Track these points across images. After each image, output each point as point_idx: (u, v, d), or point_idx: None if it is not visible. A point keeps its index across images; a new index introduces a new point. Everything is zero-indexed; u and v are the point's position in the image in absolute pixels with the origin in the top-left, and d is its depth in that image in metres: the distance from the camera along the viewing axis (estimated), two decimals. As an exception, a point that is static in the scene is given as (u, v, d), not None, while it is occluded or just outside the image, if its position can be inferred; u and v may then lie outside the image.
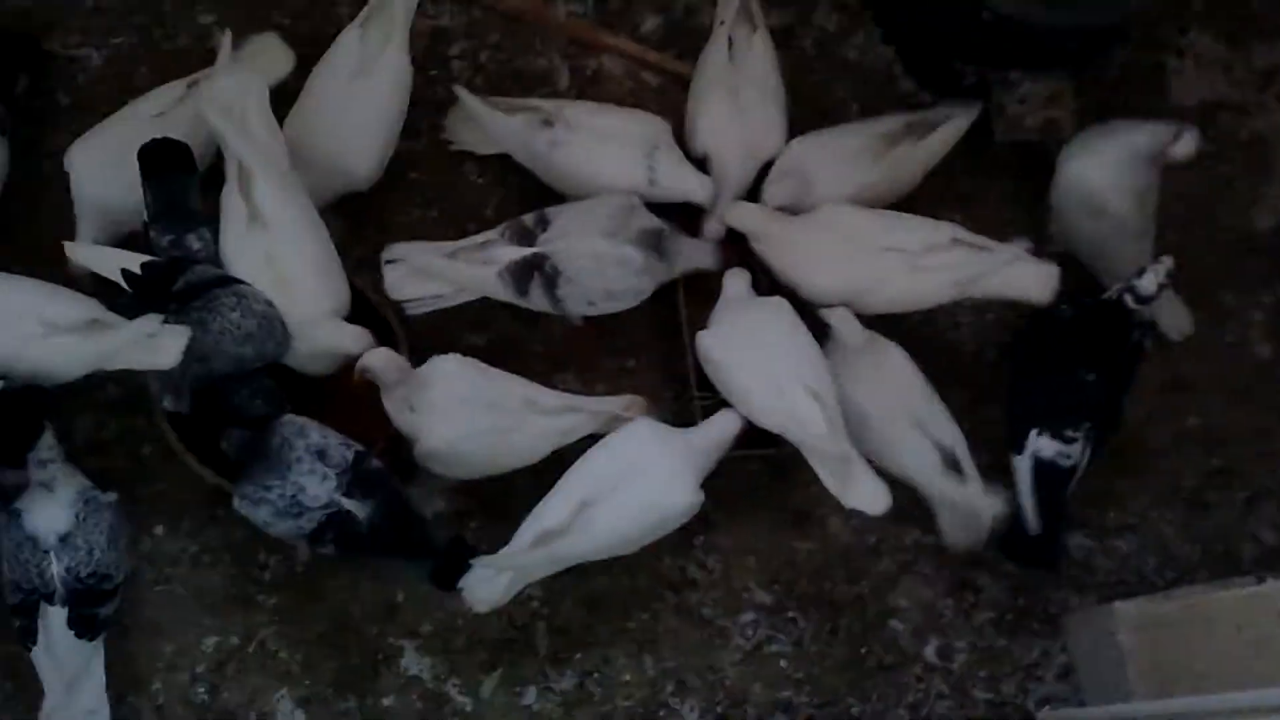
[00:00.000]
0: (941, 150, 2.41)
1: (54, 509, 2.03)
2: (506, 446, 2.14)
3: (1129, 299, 2.19)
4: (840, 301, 2.22)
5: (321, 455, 1.99)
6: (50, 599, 2.00)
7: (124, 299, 2.05)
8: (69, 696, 2.00)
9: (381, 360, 2.10)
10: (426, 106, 2.49)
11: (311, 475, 1.97)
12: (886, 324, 2.27)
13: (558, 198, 2.38)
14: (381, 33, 2.32)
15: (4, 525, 2.03)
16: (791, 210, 2.33)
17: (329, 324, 2.14)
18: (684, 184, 2.33)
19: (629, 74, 2.59)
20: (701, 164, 2.37)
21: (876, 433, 2.16)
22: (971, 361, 2.46)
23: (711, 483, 2.12)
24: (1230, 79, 2.65)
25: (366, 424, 2.15)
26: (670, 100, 2.52)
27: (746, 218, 2.31)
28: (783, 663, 2.27)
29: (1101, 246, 2.35)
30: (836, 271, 2.24)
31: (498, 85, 2.52)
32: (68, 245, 2.10)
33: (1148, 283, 2.17)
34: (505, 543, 2.16)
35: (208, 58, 2.40)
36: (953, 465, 2.17)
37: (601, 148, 2.29)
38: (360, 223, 2.44)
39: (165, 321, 1.98)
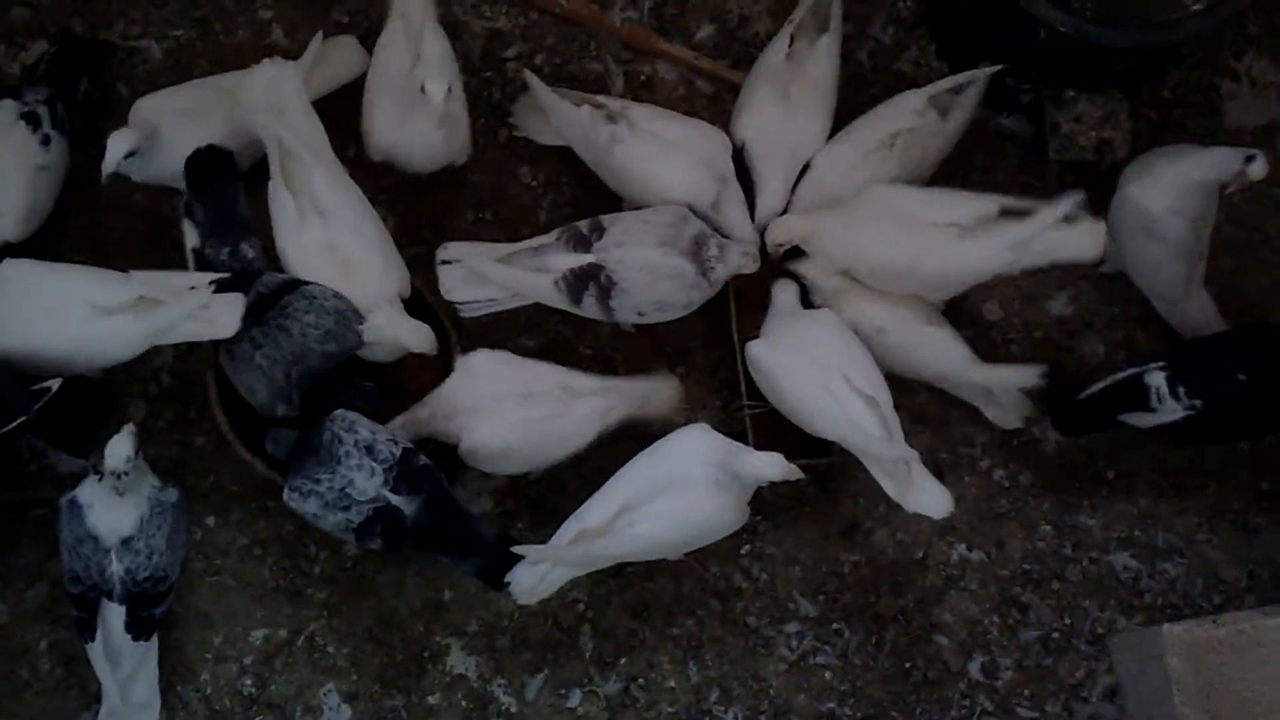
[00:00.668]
0: (955, 127, 2.40)
1: (120, 511, 2.04)
2: (549, 434, 2.14)
3: None
4: (897, 279, 2.23)
5: (370, 450, 2.00)
6: (109, 595, 2.02)
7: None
8: (123, 691, 2.03)
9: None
10: (482, 108, 2.51)
11: (360, 470, 1.99)
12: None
13: (609, 204, 2.39)
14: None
15: (64, 515, 2.04)
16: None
17: (395, 315, 2.15)
18: (737, 222, 2.32)
19: (682, 80, 2.60)
20: (738, 152, 2.38)
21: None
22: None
23: (759, 493, 2.12)
24: (1286, 102, 2.66)
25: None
26: (723, 108, 2.54)
27: (793, 229, 2.31)
28: (827, 674, 2.27)
29: (1155, 268, 2.35)
30: (888, 249, 2.22)
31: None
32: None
33: None
34: None
35: (265, 52, 2.42)
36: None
37: (662, 155, 2.29)
38: (415, 223, 2.46)
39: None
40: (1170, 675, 2.09)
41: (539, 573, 2.05)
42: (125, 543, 2.02)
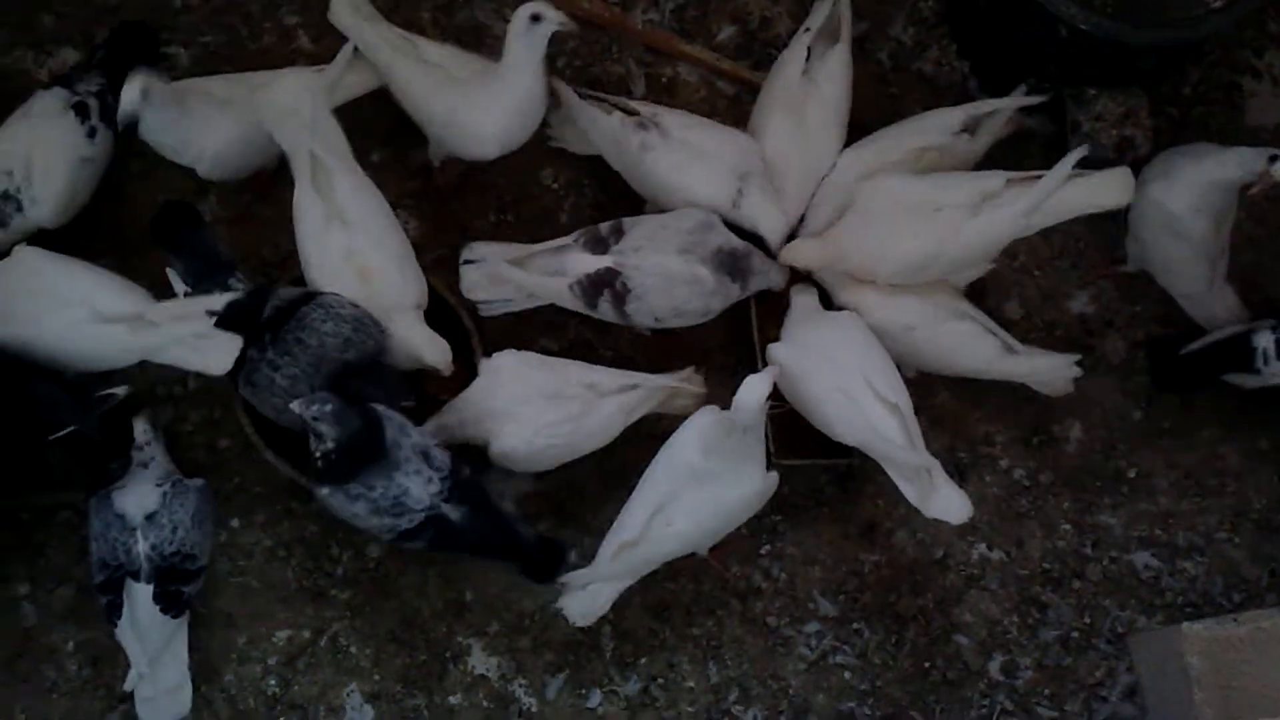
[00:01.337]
0: (981, 148, 2.39)
1: (143, 488, 2.08)
2: (576, 433, 2.16)
3: None
4: (921, 271, 2.22)
5: (426, 457, 1.99)
6: (136, 576, 2.03)
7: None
8: (153, 672, 2.04)
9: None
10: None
11: (417, 476, 1.97)
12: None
13: (631, 207, 2.40)
14: None
15: (94, 507, 2.08)
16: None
17: (414, 326, 2.17)
18: (764, 219, 2.30)
19: (703, 82, 2.60)
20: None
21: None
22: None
23: (779, 493, 2.13)
24: (1307, 101, 2.64)
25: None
26: (744, 109, 2.53)
27: (804, 255, 2.30)
28: (847, 674, 2.28)
29: (1179, 266, 2.35)
30: (909, 244, 2.21)
31: (573, 91, 2.54)
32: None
33: None
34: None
35: (291, 58, 2.45)
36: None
37: (691, 162, 2.29)
38: (438, 225, 2.47)
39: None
40: (1190, 674, 2.09)
41: (590, 595, 2.09)
42: (150, 518, 2.05)
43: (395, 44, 2.30)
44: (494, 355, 2.20)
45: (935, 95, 2.59)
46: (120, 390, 2.16)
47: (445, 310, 2.27)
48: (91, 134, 2.25)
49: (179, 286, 2.15)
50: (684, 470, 2.03)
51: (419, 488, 1.97)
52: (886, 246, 2.23)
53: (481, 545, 2.08)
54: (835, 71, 2.39)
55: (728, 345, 2.43)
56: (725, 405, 2.31)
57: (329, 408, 1.89)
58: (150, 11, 2.51)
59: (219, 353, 2.03)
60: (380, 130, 2.45)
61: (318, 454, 1.93)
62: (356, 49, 2.30)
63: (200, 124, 2.21)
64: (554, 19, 2.18)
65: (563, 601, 2.09)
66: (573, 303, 2.27)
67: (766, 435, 2.27)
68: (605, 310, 2.25)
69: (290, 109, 2.20)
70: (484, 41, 2.53)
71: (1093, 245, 2.45)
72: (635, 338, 2.42)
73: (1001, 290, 2.43)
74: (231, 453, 2.35)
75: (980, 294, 2.35)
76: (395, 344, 2.18)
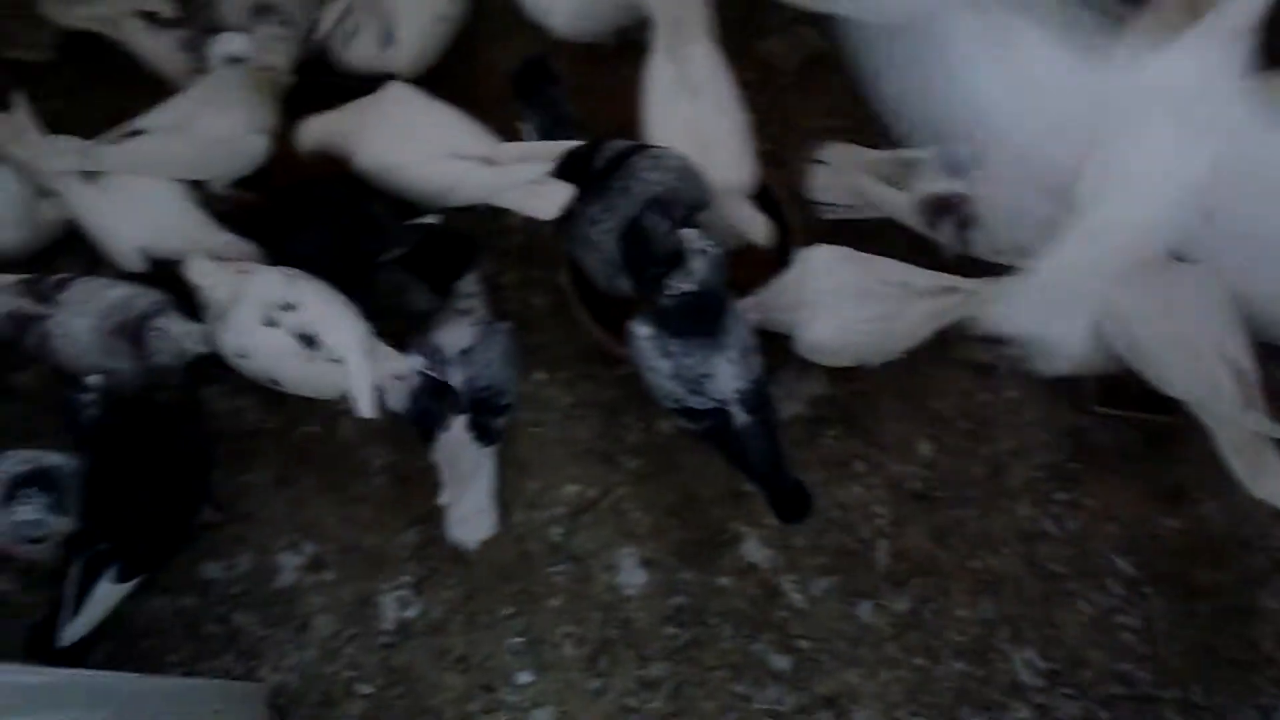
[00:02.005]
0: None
1: (460, 329, 2.18)
2: (886, 333, 2.14)
3: None
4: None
5: (745, 355, 1.99)
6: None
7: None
8: (462, 495, 2.13)
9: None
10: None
11: (729, 367, 1.97)
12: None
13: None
14: None
15: (414, 341, 2.18)
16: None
17: (742, 205, 2.18)
18: None
19: None
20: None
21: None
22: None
23: (1085, 442, 2.05)
24: None
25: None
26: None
27: None
28: (1127, 635, 2.19)
29: None
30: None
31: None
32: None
33: None
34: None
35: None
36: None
37: None
38: (767, 119, 2.46)
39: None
40: None
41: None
42: (464, 353, 2.15)
43: None
44: (810, 248, 2.18)
45: None
46: (433, 219, 2.25)
47: (771, 204, 2.27)
48: None
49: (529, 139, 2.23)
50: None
51: (725, 379, 1.99)
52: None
53: (745, 459, 2.08)
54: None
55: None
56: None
57: (715, 250, 1.90)
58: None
59: (550, 198, 2.10)
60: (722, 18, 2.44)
61: (667, 292, 1.92)
62: None
63: None
64: None
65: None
66: (913, 219, 2.23)
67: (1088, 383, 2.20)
68: (945, 233, 2.20)
69: None
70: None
71: None
72: (958, 264, 2.35)
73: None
74: (544, 310, 2.43)
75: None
76: (718, 218, 2.20)
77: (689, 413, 2.05)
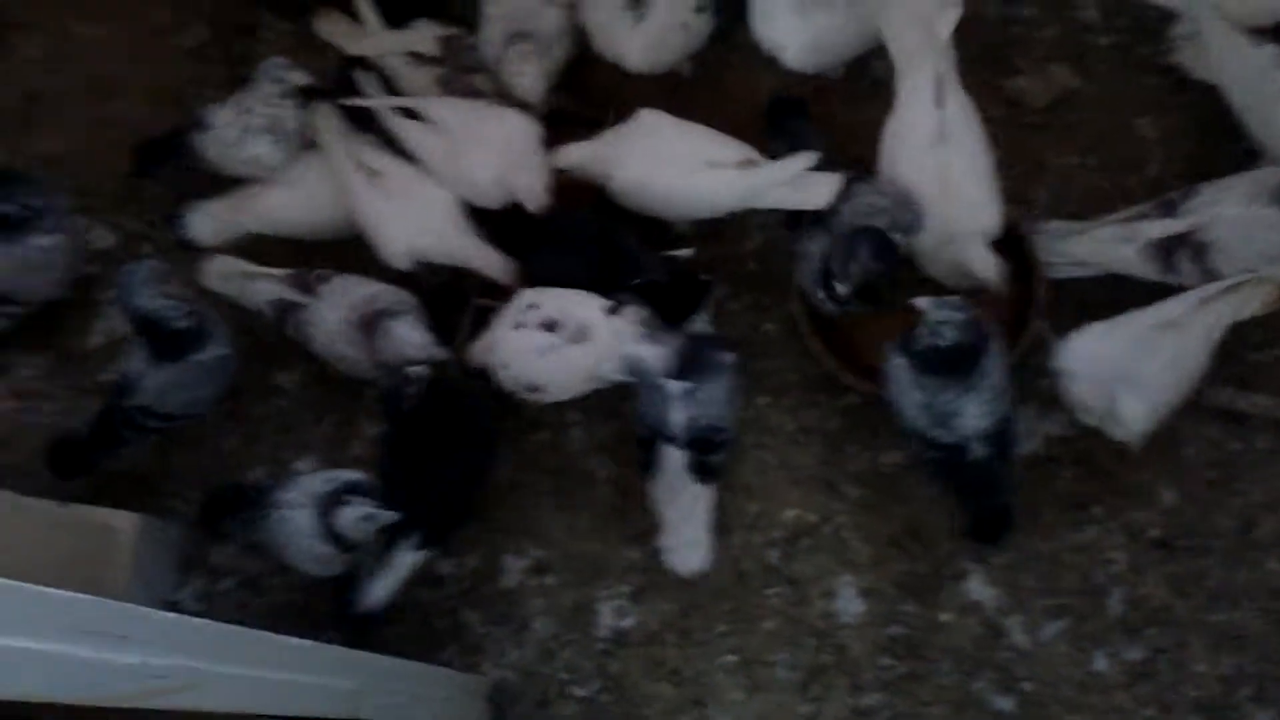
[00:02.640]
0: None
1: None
2: (1182, 375, 2.09)
3: None
4: None
5: (995, 395, 1.98)
6: (671, 441, 2.17)
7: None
8: (678, 527, 2.18)
9: None
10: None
11: (979, 406, 1.97)
12: None
13: (1231, 164, 2.24)
14: None
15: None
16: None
17: (981, 249, 2.17)
18: None
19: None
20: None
21: None
22: None
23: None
24: None
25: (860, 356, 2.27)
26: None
27: None
28: (1387, 705, 2.03)
29: None
30: None
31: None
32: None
33: None
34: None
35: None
36: None
37: None
38: (1014, 156, 2.44)
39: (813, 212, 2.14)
40: None
41: None
42: (688, 393, 2.17)
43: None
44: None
45: None
46: (687, 252, 2.35)
47: (1014, 242, 2.25)
48: (699, 9, 2.42)
49: None
50: None
51: (972, 417, 1.98)
52: None
53: (968, 488, 2.08)
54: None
55: None
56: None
57: (959, 315, 1.92)
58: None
59: (819, 188, 2.15)
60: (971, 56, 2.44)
61: (926, 340, 1.95)
62: None
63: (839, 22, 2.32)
64: None
65: None
66: (1142, 268, 2.18)
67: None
68: (1185, 271, 2.13)
69: (920, 19, 2.22)
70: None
71: None
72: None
73: None
74: (773, 336, 2.45)
75: None
76: (957, 258, 2.19)
77: (930, 442, 2.04)
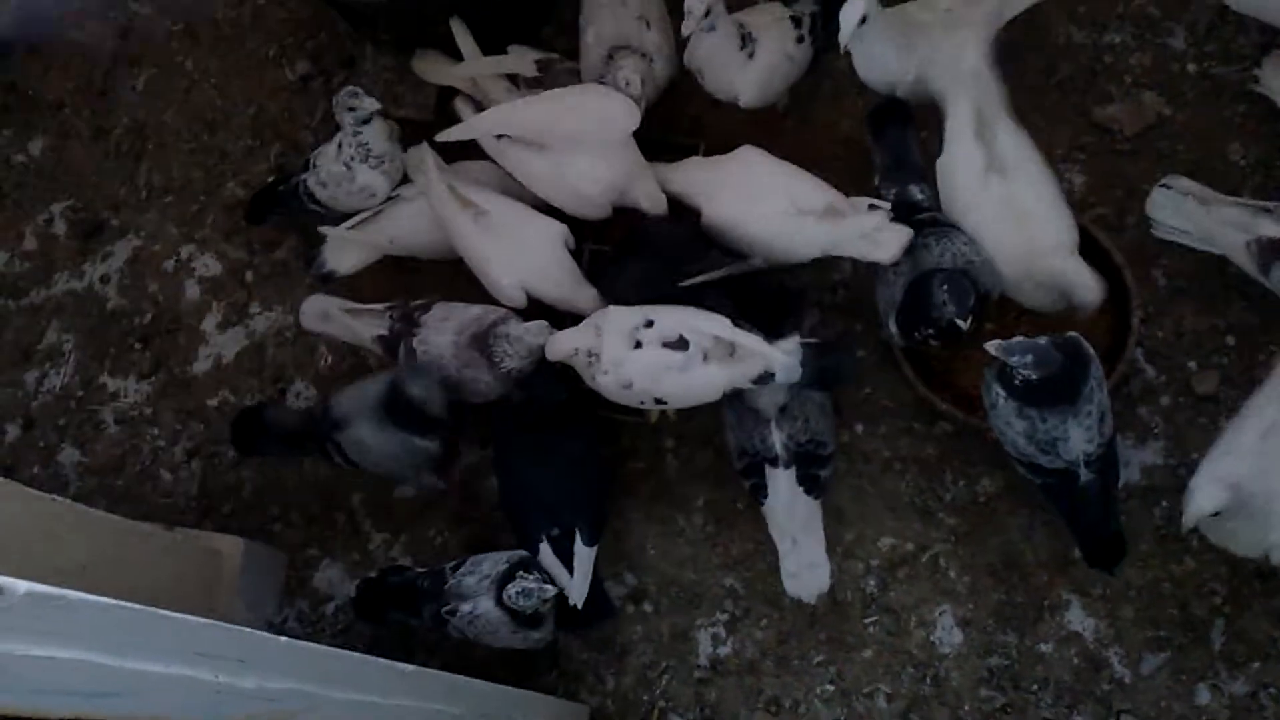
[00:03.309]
0: None
1: (775, 389, 2.21)
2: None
3: None
4: None
5: (1102, 419, 1.98)
6: (774, 463, 2.19)
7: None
8: (795, 549, 2.18)
9: None
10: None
11: (1084, 431, 1.97)
12: None
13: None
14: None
15: (725, 402, 2.24)
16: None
17: (1070, 262, 2.15)
18: None
19: None
20: None
21: None
22: None
23: None
24: None
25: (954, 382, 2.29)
26: None
27: None
28: None
29: None
30: None
31: None
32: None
33: None
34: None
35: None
36: None
37: None
38: (1105, 182, 2.45)
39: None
40: None
41: None
42: (783, 410, 2.18)
43: None
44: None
45: None
46: (759, 262, 2.30)
47: (1102, 258, 2.25)
48: (800, 40, 2.43)
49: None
50: None
51: (1078, 442, 1.98)
52: None
53: (1081, 513, 2.05)
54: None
55: None
56: None
57: (1029, 357, 1.91)
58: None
59: (890, 242, 2.16)
60: (1035, 82, 2.44)
61: (1019, 379, 1.95)
62: None
63: (881, 45, 2.28)
64: None
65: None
66: (1243, 259, 2.17)
67: None
68: (1276, 279, 2.13)
69: (955, 60, 2.23)
70: None
71: None
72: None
73: None
74: (868, 363, 2.45)
75: None
76: (1047, 278, 2.18)
77: (1037, 469, 2.04)
